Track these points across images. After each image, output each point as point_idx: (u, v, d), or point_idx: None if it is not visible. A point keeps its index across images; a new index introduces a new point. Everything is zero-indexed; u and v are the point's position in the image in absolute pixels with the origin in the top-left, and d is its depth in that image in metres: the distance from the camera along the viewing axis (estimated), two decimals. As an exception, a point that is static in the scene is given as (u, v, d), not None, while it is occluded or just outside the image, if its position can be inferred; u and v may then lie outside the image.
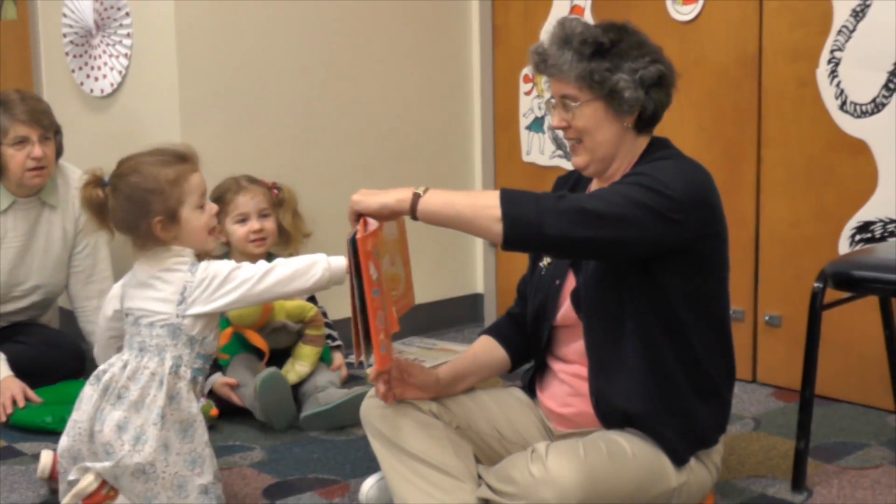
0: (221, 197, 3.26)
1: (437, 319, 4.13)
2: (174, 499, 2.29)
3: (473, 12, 4.15)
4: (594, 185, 2.39)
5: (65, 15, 3.88)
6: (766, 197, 3.38)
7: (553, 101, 2.31)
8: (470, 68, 4.19)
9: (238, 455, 2.91)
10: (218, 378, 3.14)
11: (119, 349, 2.44)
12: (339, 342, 3.45)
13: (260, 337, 3.18)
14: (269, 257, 3.07)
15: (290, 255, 3.02)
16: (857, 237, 3.19)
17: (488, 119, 4.17)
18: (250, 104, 3.67)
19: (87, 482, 2.32)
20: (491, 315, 4.23)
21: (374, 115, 3.95)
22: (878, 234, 3.15)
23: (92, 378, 2.37)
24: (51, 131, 3.35)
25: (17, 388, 3.14)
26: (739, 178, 3.41)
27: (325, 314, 3.41)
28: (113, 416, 2.30)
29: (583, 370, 2.32)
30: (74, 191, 3.28)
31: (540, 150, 4.01)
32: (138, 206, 2.32)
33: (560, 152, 3.93)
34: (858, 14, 3.11)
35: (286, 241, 3.39)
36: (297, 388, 3.19)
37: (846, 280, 2.58)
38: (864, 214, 3.17)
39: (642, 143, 2.32)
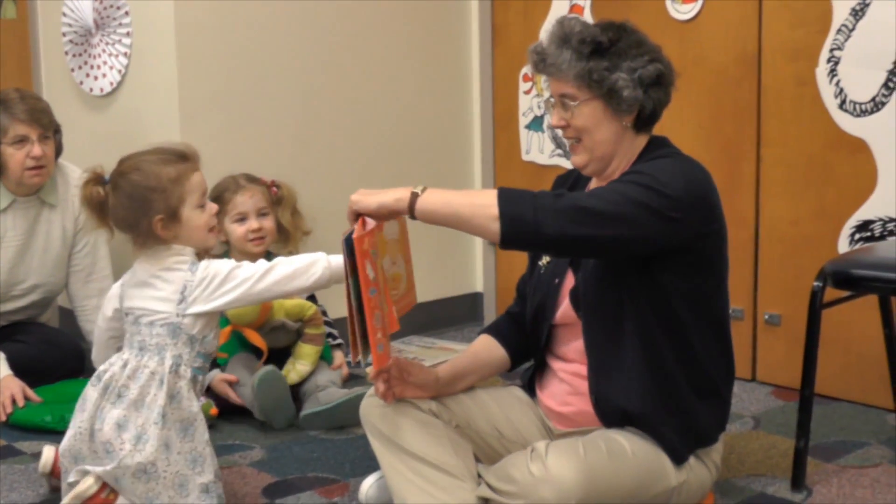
0: (220, 196, 3.25)
1: (437, 318, 4.13)
2: (175, 498, 2.29)
3: (473, 12, 4.15)
4: (593, 184, 2.39)
5: (64, 14, 3.87)
6: (766, 196, 3.38)
7: (552, 100, 2.31)
8: (469, 68, 4.19)
9: (238, 454, 2.91)
10: (216, 374, 3.14)
11: (119, 349, 2.44)
12: (339, 341, 3.44)
13: (259, 336, 3.18)
14: (269, 256, 3.07)
15: (290, 253, 3.03)
16: (857, 236, 3.19)
17: (488, 118, 4.17)
18: (250, 103, 3.67)
19: (87, 485, 2.32)
20: (490, 314, 4.23)
21: (374, 114, 3.95)
22: (877, 232, 3.15)
23: (93, 378, 2.37)
24: (50, 130, 3.35)
25: (17, 387, 3.14)
26: (739, 177, 3.41)
27: (325, 313, 3.41)
28: (112, 415, 2.30)
29: (582, 369, 2.32)
30: (74, 190, 3.29)
31: (539, 149, 4.01)
32: (139, 205, 2.31)
33: (559, 151, 3.92)
34: (858, 13, 3.11)
35: (285, 239, 3.38)
36: (297, 386, 3.18)
37: (846, 279, 2.58)
38: (864, 213, 3.17)
39: (641, 141, 2.32)
